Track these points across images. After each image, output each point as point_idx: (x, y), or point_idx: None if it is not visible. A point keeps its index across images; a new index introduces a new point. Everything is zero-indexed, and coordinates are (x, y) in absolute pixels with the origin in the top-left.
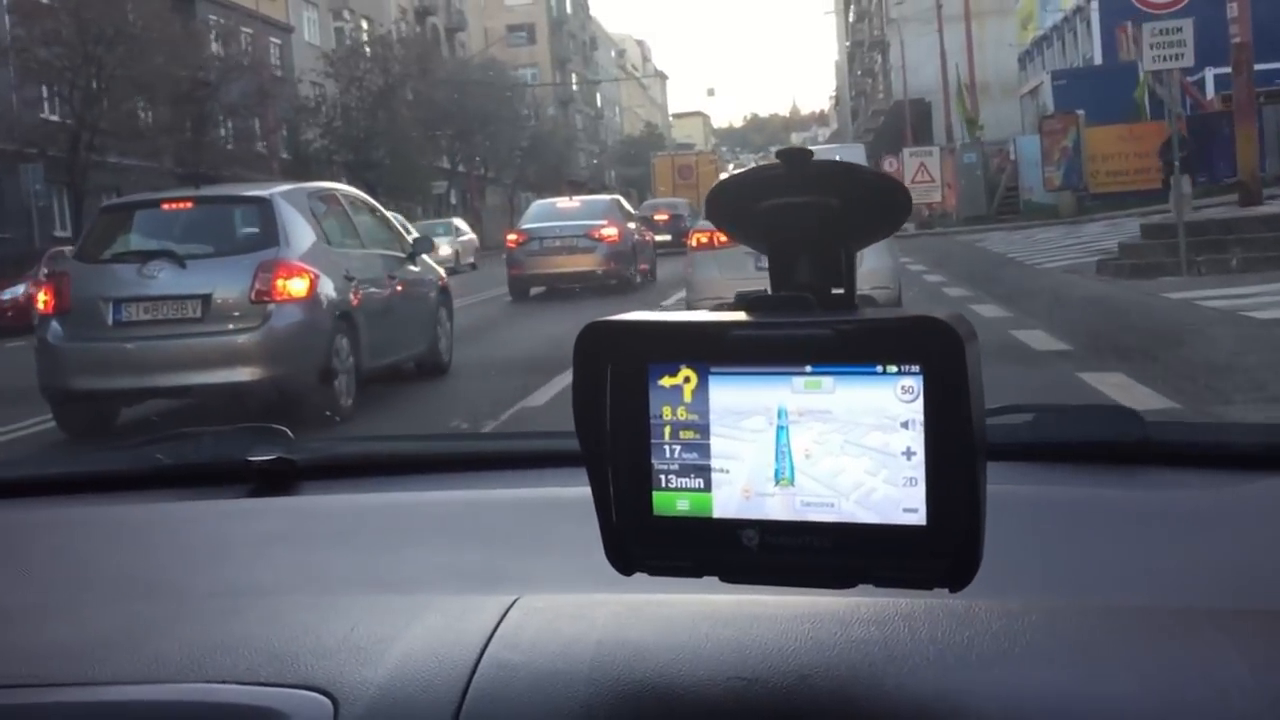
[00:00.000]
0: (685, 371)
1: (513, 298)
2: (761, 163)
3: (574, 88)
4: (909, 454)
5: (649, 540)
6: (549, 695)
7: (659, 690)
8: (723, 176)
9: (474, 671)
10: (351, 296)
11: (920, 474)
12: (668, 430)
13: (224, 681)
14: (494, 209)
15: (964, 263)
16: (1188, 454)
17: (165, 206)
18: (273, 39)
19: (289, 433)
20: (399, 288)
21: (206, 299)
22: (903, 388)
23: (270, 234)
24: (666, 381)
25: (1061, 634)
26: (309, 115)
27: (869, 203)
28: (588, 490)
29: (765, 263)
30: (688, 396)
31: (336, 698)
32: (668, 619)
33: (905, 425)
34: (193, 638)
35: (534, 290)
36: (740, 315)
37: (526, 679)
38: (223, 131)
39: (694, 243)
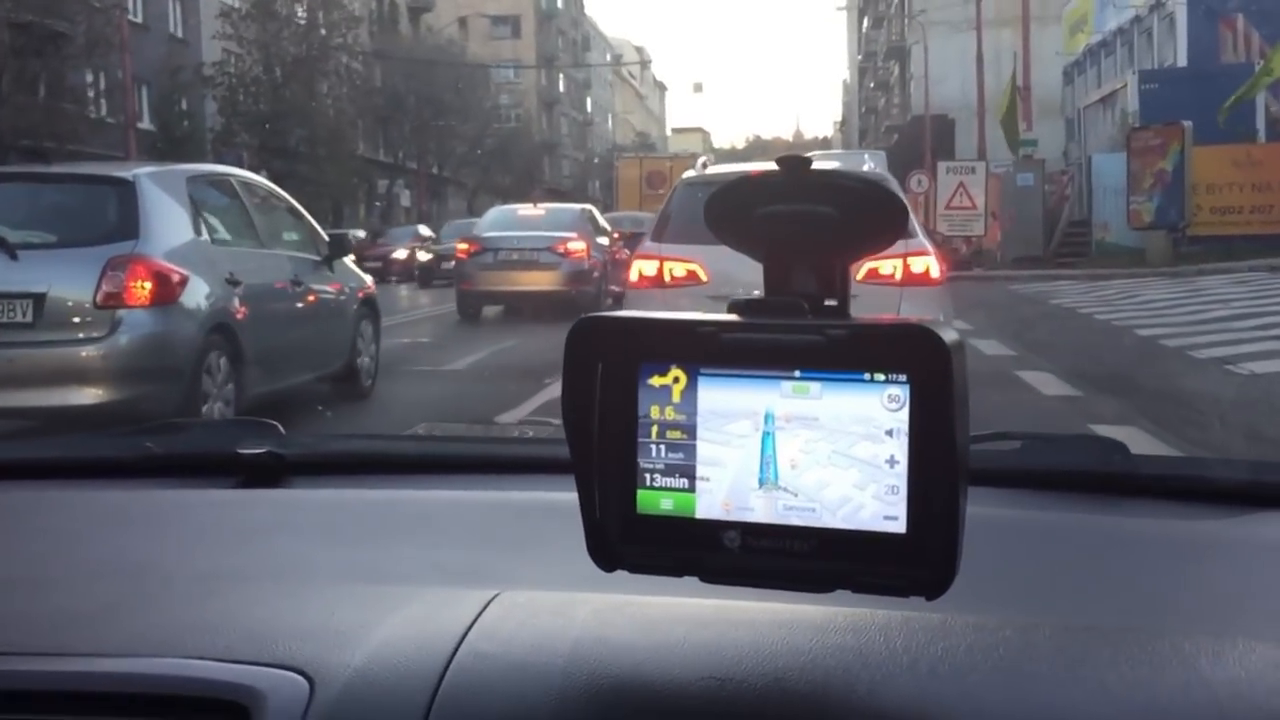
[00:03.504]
0: (675, 371)
1: (461, 317)
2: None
3: (561, 87)
4: (892, 462)
5: (631, 538)
6: (524, 686)
7: (634, 687)
8: (689, 174)
9: (451, 660)
10: (234, 304)
11: (902, 483)
12: (655, 429)
13: (202, 658)
14: (453, 215)
15: (1073, 344)
16: (1171, 487)
17: None
18: None
19: (279, 427)
20: (307, 296)
21: (39, 300)
22: (889, 396)
23: (128, 223)
24: (656, 381)
25: (1035, 650)
26: (203, 86)
27: (863, 213)
28: (572, 496)
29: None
30: (676, 397)
31: (313, 678)
32: (647, 619)
33: (890, 434)
34: (172, 616)
35: (486, 309)
36: (733, 317)
37: (503, 669)
38: (86, 92)
39: (634, 276)
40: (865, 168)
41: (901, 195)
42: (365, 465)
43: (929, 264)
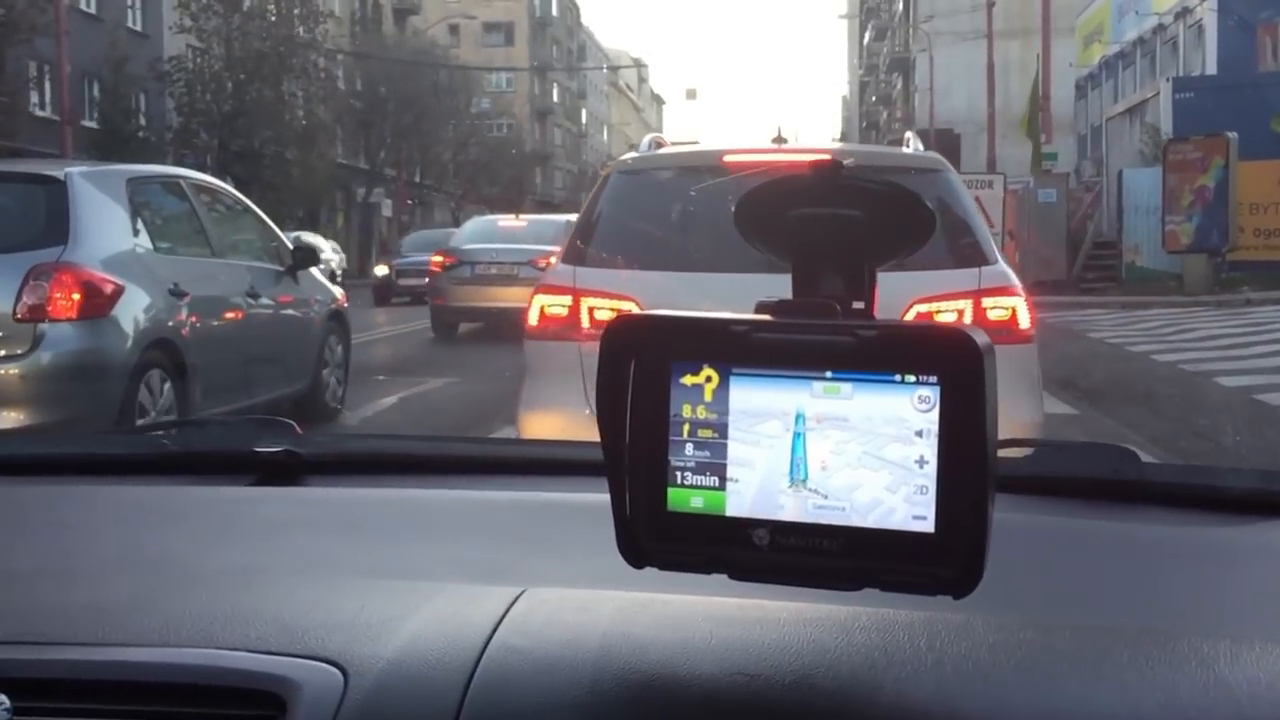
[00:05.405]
0: (707, 371)
1: (435, 334)
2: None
3: (555, 97)
4: (921, 463)
5: (661, 535)
6: (554, 681)
7: (661, 682)
8: (627, 156)
9: (482, 654)
10: (179, 317)
11: (931, 483)
12: (687, 428)
13: (235, 649)
14: (438, 226)
15: (1147, 398)
16: (1181, 494)
17: None
18: None
19: (295, 426)
20: (265, 309)
21: None
22: (920, 397)
23: (57, 228)
24: (688, 380)
25: (1056, 650)
26: (157, 81)
27: (892, 218)
28: (588, 496)
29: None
30: (708, 396)
31: (347, 670)
32: (673, 617)
33: (920, 434)
34: (202, 608)
35: (463, 327)
36: (765, 317)
37: (533, 665)
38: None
39: (533, 318)
40: (908, 149)
41: (958, 180)
42: (382, 465)
43: (1016, 307)
